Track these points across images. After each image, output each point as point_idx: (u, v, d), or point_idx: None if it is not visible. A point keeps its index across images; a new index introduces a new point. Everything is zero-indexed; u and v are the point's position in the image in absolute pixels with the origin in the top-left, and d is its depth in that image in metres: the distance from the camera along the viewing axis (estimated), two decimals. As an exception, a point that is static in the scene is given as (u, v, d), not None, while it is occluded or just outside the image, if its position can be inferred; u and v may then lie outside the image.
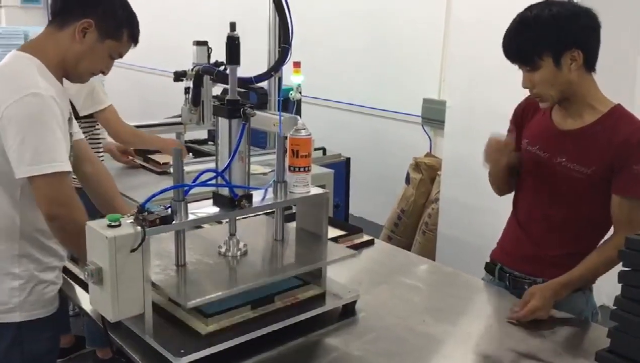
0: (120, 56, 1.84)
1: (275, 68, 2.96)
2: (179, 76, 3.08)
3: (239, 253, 1.68)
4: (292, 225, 1.87)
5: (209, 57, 3.08)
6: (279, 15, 2.93)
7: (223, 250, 1.69)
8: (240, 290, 1.56)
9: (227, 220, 1.71)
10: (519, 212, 2.02)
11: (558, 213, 1.89)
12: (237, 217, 1.69)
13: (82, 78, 1.83)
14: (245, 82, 2.85)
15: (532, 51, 1.75)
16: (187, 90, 3.00)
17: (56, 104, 1.64)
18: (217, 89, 3.11)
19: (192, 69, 3.00)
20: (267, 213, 1.96)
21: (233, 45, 1.58)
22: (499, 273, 2.03)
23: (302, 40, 3.64)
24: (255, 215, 1.91)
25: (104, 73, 1.85)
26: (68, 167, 1.64)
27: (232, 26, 1.59)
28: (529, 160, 1.96)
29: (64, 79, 1.81)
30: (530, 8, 1.79)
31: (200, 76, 2.93)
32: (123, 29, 1.78)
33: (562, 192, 1.88)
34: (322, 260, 1.75)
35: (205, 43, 3.09)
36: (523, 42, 1.77)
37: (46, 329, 1.80)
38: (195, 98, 2.95)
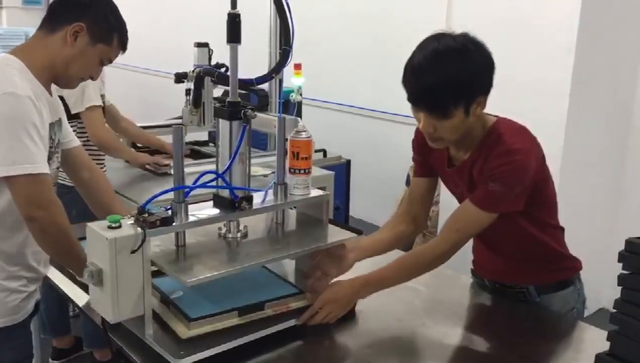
0: (110, 62, 1.82)
1: (276, 70, 2.97)
2: (180, 77, 3.06)
3: (239, 234, 1.68)
4: (293, 210, 1.87)
5: (209, 58, 3.08)
6: (279, 17, 2.94)
7: (223, 231, 1.68)
8: (241, 269, 1.55)
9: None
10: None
11: (509, 241, 1.85)
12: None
13: (71, 83, 1.80)
14: (246, 84, 2.84)
15: (449, 102, 1.60)
16: (187, 91, 2.99)
17: (33, 105, 1.60)
18: (218, 91, 3.11)
19: (193, 71, 3.00)
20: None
21: (234, 23, 1.56)
22: (489, 282, 1.99)
23: (303, 42, 3.63)
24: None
25: (93, 78, 1.83)
26: (46, 169, 1.61)
27: (234, 3, 1.57)
28: (452, 193, 1.91)
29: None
30: (438, 43, 1.61)
31: (201, 78, 2.92)
32: (114, 34, 1.77)
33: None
34: (323, 241, 1.74)
35: (206, 45, 3.09)
36: (439, 92, 1.59)
37: (10, 339, 1.73)
38: (195, 99, 2.94)
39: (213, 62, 2.96)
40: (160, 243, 1.57)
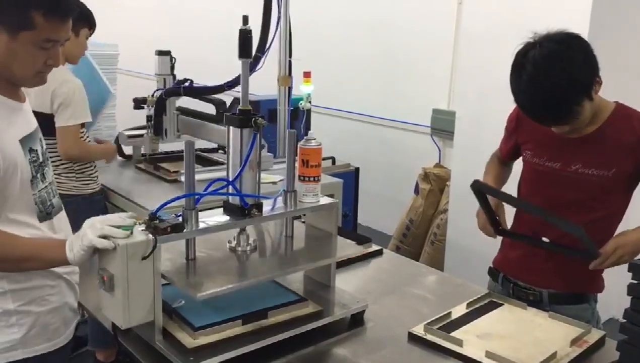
0: (57, 40, 1.49)
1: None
2: (138, 103, 3.03)
3: (248, 248, 1.68)
4: (302, 224, 1.88)
5: (172, 68, 3.07)
6: (263, 18, 2.79)
7: (233, 245, 1.69)
8: (250, 284, 1.57)
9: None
10: (527, 223, 1.98)
11: (576, 221, 1.82)
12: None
13: (30, 81, 1.55)
14: (206, 91, 2.85)
15: (574, 109, 1.69)
16: (149, 118, 2.96)
17: None
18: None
19: (152, 95, 2.96)
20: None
21: (246, 38, 1.60)
22: (503, 280, 2.05)
23: (312, 50, 3.64)
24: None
25: (54, 65, 1.53)
26: None
27: (245, 19, 1.60)
28: (536, 171, 1.93)
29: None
30: (542, 52, 1.68)
31: (162, 101, 2.90)
32: (30, 13, 1.42)
33: (580, 198, 1.85)
34: (332, 256, 1.75)
35: (167, 53, 3.07)
36: (560, 106, 1.69)
37: None
38: (157, 128, 2.93)
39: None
40: (171, 256, 1.59)
